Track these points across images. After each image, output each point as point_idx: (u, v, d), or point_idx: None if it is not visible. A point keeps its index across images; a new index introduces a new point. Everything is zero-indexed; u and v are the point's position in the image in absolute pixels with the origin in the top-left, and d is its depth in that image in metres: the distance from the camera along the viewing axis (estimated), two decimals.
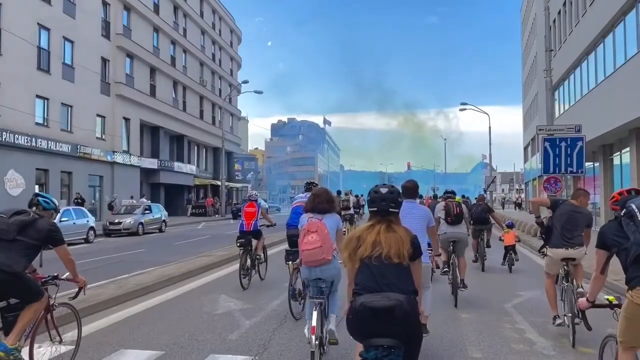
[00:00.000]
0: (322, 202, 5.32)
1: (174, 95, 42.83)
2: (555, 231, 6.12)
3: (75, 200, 26.52)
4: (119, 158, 33.59)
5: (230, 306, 7.89)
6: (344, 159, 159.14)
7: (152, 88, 38.90)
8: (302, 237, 5.11)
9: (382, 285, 2.93)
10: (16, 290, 4.14)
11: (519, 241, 11.96)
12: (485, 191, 44.89)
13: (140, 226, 24.86)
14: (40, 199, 4.60)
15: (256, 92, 44.58)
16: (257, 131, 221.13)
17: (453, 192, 9.85)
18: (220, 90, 52.88)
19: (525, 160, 57.01)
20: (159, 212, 28.15)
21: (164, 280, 9.79)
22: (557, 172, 14.72)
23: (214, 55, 52.04)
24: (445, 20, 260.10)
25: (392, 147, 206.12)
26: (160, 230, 27.21)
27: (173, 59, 42.49)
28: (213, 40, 51.61)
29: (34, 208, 4.51)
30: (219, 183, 46.27)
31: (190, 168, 44.86)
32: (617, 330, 3.42)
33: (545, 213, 7.11)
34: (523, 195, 56.09)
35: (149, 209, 27.05)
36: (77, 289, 4.78)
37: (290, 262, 7.29)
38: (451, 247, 8.57)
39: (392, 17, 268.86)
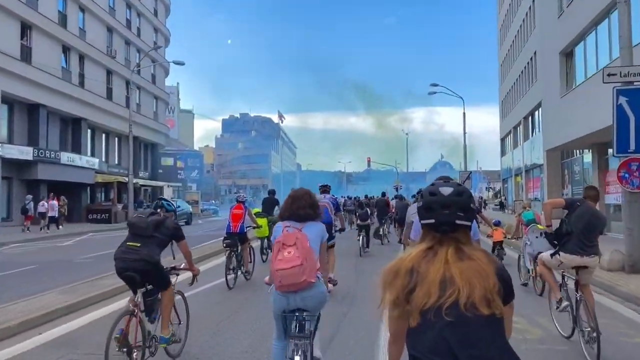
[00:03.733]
0: (302, 206, 4.20)
1: (64, 65, 32.76)
2: (573, 236, 5.64)
3: None
4: None
5: None
6: (301, 158, 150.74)
7: (26, 51, 28.86)
8: (275, 252, 3.93)
9: (466, 357, 1.67)
10: (154, 277, 4.92)
11: (506, 238, 11.85)
12: None
13: None
14: (164, 202, 5.60)
15: (176, 62, 34.97)
16: (212, 128, 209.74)
17: None
18: (139, 66, 42.94)
19: (503, 154, 49.37)
20: None
21: None
22: None
23: (129, 21, 42.03)
24: (403, 21, 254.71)
25: (353, 144, 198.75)
26: None
27: (63, 16, 32.44)
28: (128, 2, 41.59)
29: (159, 210, 5.32)
30: (135, 180, 36.34)
31: (91, 161, 34.79)
32: None
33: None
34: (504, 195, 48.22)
35: None
36: (192, 277, 5.52)
37: None
38: None
39: (351, 15, 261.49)
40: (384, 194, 21.54)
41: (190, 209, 35.02)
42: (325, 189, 10.04)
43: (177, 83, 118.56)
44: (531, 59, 33.88)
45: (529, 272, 9.04)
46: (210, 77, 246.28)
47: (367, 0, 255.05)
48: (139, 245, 4.84)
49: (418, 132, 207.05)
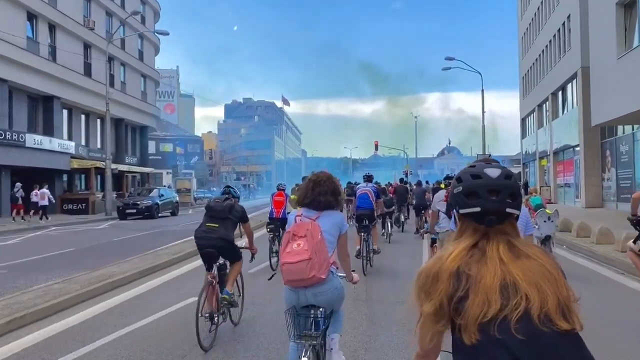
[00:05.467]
0: (324, 192, 3.76)
1: (30, 35, 28.84)
2: None
3: None
4: None
5: None
6: (306, 145, 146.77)
7: None
8: (284, 244, 3.57)
9: None
10: (229, 253, 5.79)
11: None
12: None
13: None
14: (230, 189, 6.19)
15: (159, 32, 30.97)
16: (215, 116, 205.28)
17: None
18: (123, 41, 38.94)
19: (524, 136, 45.15)
20: None
21: None
22: None
23: None
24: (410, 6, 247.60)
25: (360, 130, 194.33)
26: None
27: None
28: None
29: (226, 196, 5.97)
30: (115, 166, 32.55)
31: (65, 144, 31.00)
32: None
33: None
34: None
35: None
36: (251, 255, 6.23)
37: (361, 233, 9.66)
38: None
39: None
40: (403, 181, 21.09)
41: (177, 198, 31.20)
42: (369, 178, 11.21)
43: (177, 67, 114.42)
44: (563, 24, 29.61)
45: None
46: (213, 63, 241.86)
47: None
48: (217, 225, 5.64)
49: (427, 117, 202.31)
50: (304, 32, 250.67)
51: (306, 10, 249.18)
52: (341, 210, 5.36)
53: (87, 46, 34.41)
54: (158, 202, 28.07)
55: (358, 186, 12.20)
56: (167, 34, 30.62)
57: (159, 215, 28.23)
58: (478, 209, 1.51)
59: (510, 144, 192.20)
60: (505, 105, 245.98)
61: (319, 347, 3.61)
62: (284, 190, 10.86)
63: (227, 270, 5.86)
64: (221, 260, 5.82)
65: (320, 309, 3.60)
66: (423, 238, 12.04)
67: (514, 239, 1.51)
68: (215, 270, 5.72)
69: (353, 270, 4.13)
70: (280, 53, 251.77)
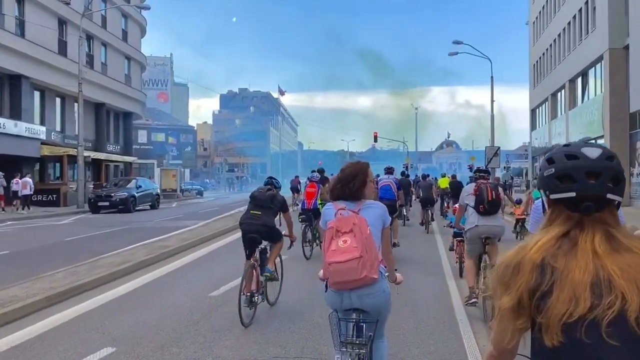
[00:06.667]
0: (359, 184, 3.40)
1: None
2: None
3: None
4: None
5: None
6: (303, 137, 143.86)
7: None
8: (327, 241, 3.22)
9: None
10: (271, 236, 6.34)
11: (528, 214, 11.98)
12: (486, 167, 30.92)
13: None
14: (273, 180, 6.62)
15: (139, 7, 28.06)
16: (211, 108, 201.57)
17: (486, 171, 7.18)
18: (104, 19, 35.96)
19: (533, 128, 42.43)
20: None
21: None
22: None
23: None
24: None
25: (359, 123, 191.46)
26: None
27: None
28: None
29: (269, 187, 6.47)
30: (87, 154, 29.72)
31: (34, 129, 28.09)
32: None
33: None
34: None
35: None
36: (290, 242, 6.83)
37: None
38: (483, 247, 6.31)
39: None
40: (404, 174, 20.17)
41: (157, 190, 28.37)
42: (389, 171, 12.64)
43: (171, 54, 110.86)
44: (586, 3, 26.79)
45: None
46: (209, 53, 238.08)
47: None
48: (259, 213, 6.18)
49: (428, 111, 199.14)
50: (302, 21, 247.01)
51: (303, 4, 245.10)
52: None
53: (62, 22, 31.41)
54: (135, 194, 25.27)
55: (380, 178, 12.35)
56: (148, 8, 27.80)
57: (137, 208, 25.46)
58: (573, 194, 1.31)
59: (510, 138, 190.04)
60: (508, 100, 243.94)
61: (364, 357, 3.25)
62: (316, 182, 11.28)
63: (268, 255, 6.37)
64: (262, 245, 6.33)
65: (367, 314, 3.24)
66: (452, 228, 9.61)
67: (614, 229, 1.32)
68: (257, 254, 6.24)
69: (395, 269, 3.68)
70: (278, 44, 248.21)
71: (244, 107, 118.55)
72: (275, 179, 6.74)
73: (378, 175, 21.29)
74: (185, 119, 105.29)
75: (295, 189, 23.90)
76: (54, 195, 27.49)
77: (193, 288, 7.75)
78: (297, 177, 26.97)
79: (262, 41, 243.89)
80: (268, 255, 6.37)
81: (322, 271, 3.42)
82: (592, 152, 1.34)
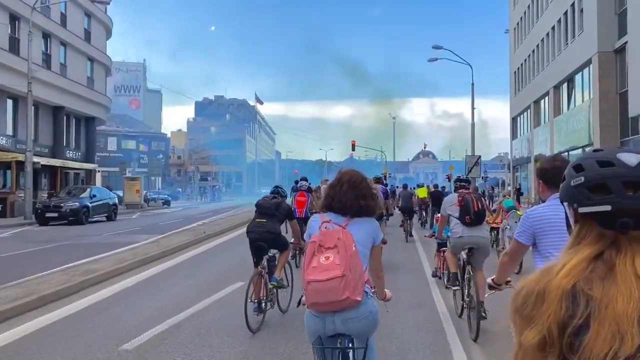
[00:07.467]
0: (363, 195, 3.12)
1: None
2: None
3: None
4: None
5: None
6: (281, 146, 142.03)
7: None
8: (308, 257, 2.92)
9: None
10: (278, 244, 6.45)
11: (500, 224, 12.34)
12: (466, 176, 29.70)
13: None
14: (279, 189, 6.89)
15: (97, 1, 25.85)
16: (186, 116, 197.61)
17: (467, 181, 7.43)
18: (64, 16, 33.63)
19: (514, 137, 41.28)
20: None
21: None
22: None
23: None
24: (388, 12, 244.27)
25: (337, 133, 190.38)
26: None
27: None
28: None
29: (274, 194, 6.70)
30: (36, 160, 27.30)
31: None
32: None
33: None
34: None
35: None
36: (298, 249, 7.95)
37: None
38: (465, 256, 6.37)
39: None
40: (382, 182, 17.87)
41: (115, 200, 26.06)
42: (378, 180, 12.81)
43: (144, 60, 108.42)
44: (572, 5, 25.59)
45: None
46: (185, 60, 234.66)
47: None
48: (265, 221, 6.31)
49: (405, 121, 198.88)
50: (280, 30, 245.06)
51: (282, 14, 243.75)
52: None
53: (14, 18, 29.00)
54: (88, 204, 22.98)
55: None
56: (107, 3, 25.61)
57: (90, 220, 23.20)
58: (608, 208, 1.14)
59: (489, 148, 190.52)
60: (485, 112, 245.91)
61: None
62: (305, 190, 11.38)
63: (276, 262, 6.49)
64: (271, 253, 6.50)
65: (352, 339, 2.97)
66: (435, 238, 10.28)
67: None
68: (265, 261, 6.37)
69: None
70: (256, 53, 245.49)
71: (219, 114, 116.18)
72: (281, 188, 7.05)
73: None
74: (159, 126, 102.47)
75: None
76: (0, 205, 25.03)
77: (97, 338, 5.74)
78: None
79: (240, 50, 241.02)
80: (276, 262, 6.50)
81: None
82: (631, 159, 1.15)
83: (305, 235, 3.31)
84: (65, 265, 9.83)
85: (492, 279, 3.29)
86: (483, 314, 5.53)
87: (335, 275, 2.76)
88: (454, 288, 6.68)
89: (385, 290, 3.41)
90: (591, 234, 1.16)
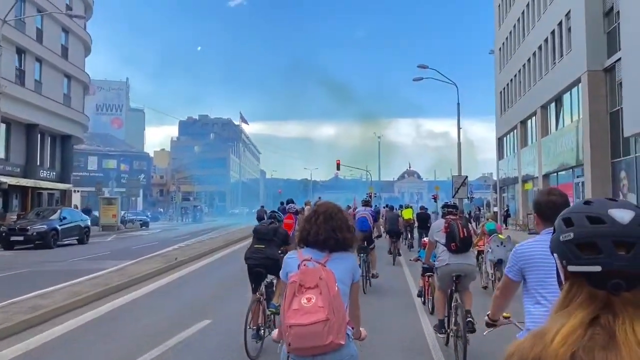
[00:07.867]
0: (339, 227, 3.04)
1: None
2: None
3: None
4: None
5: None
6: (266, 165, 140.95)
7: None
8: (288, 298, 2.75)
9: None
10: (277, 270, 5.21)
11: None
12: (453, 197, 29.34)
13: None
14: (276, 214, 7.18)
15: (72, 15, 24.88)
16: (169, 135, 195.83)
17: (455, 206, 7.04)
18: (40, 32, 32.59)
19: (501, 157, 40.82)
20: None
21: None
22: None
23: None
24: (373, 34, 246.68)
25: (322, 153, 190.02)
26: None
27: None
28: None
29: (271, 220, 6.84)
30: (9, 180, 25.98)
31: None
32: None
33: None
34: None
35: None
36: None
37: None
38: (454, 285, 6.20)
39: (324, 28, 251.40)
40: (367, 203, 16.81)
41: (87, 222, 24.75)
42: (367, 203, 13.50)
43: (127, 78, 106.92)
44: (559, 24, 25.25)
45: (489, 276, 10.13)
46: (169, 81, 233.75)
47: (335, 15, 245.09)
48: (263, 246, 6.37)
49: (390, 142, 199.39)
50: (265, 51, 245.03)
51: (267, 34, 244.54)
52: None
53: None
54: (57, 226, 21.69)
55: (357, 210, 13.08)
56: (83, 17, 24.76)
57: (60, 243, 21.92)
58: (598, 269, 1.09)
59: (475, 169, 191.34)
60: (469, 133, 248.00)
61: None
62: (293, 213, 11.53)
63: (274, 288, 6.41)
64: (268, 279, 6.51)
65: None
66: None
67: None
68: (262, 288, 6.37)
69: None
70: (240, 73, 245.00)
71: (204, 133, 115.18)
72: (278, 213, 7.32)
73: (349, 207, 22.17)
74: (141, 146, 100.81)
75: (261, 219, 21.46)
76: None
77: None
78: (262, 207, 25.97)
79: (225, 69, 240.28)
80: (274, 289, 6.46)
81: (275, 331, 3.14)
82: (622, 215, 1.11)
83: (281, 273, 3.10)
84: (9, 300, 8.69)
85: (488, 315, 3.17)
86: (470, 319, 5.73)
87: (318, 319, 2.63)
88: (440, 335, 6.52)
89: (361, 329, 3.22)
90: (582, 294, 1.11)
